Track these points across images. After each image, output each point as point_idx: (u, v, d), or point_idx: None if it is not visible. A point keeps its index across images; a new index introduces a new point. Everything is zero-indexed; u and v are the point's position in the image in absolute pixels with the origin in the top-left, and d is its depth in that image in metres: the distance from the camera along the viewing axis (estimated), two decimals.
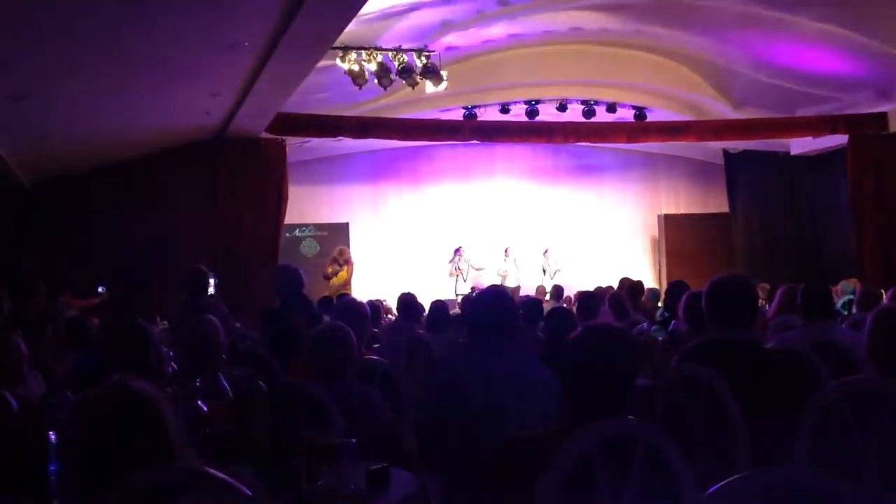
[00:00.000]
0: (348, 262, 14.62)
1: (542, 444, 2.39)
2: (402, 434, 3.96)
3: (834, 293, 12.37)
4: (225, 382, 3.50)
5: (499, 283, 15.86)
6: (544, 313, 7.07)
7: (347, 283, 14.43)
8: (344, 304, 5.04)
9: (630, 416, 2.45)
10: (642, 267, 17.52)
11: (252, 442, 3.08)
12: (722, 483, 1.76)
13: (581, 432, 2.31)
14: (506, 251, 16.58)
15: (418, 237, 16.84)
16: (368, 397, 3.74)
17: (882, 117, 14.36)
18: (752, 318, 3.67)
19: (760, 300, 8.65)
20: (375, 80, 10.93)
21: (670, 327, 6.03)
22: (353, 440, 2.98)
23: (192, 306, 6.25)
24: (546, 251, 16.80)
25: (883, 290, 8.33)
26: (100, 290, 11.08)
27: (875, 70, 12.96)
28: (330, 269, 14.50)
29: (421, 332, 6.57)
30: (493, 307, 3.61)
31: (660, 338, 5.72)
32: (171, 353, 4.82)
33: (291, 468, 3.00)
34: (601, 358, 2.55)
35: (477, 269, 16.04)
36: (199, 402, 3.17)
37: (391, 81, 10.99)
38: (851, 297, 9.44)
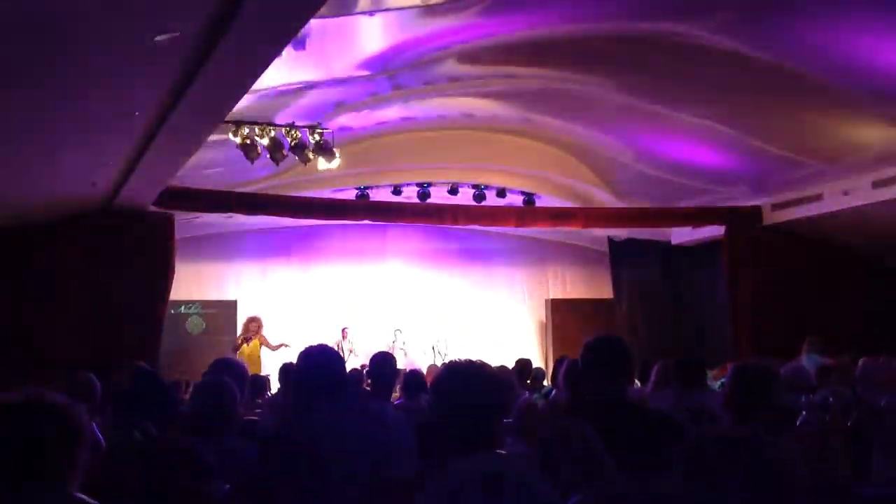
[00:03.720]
0: (259, 332, 14.26)
1: (409, 485, 2.41)
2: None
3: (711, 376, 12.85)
4: (98, 432, 3.42)
5: None
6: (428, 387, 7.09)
7: (257, 357, 14.06)
8: (225, 361, 4.97)
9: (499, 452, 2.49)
10: (531, 349, 17.76)
11: (124, 490, 3.01)
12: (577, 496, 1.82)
13: (454, 466, 2.35)
14: (395, 333, 16.61)
15: (306, 317, 16.73)
16: (247, 453, 3.69)
17: (757, 210, 15.10)
18: (626, 373, 3.80)
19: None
20: (268, 156, 10.96)
21: (551, 396, 6.14)
22: (226, 487, 2.94)
23: None
24: (437, 342, 16.84)
25: None
26: None
27: (749, 164, 13.65)
28: (240, 340, 14.22)
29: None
30: (323, 363, 3.60)
31: (539, 404, 5.81)
32: None
33: None
34: (466, 391, 2.58)
35: (354, 355, 15.69)
36: None
37: (284, 157, 11.04)
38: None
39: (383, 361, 5.44)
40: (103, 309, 12.30)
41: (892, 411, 4.05)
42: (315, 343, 3.63)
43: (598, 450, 3.40)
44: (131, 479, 2.99)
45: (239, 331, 14.86)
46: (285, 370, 7.36)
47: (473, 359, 2.82)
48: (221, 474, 3.32)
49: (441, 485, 2.33)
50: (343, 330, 16.20)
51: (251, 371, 12.32)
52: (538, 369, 11.62)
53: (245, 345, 14.19)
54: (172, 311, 14.67)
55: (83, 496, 2.12)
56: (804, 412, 3.76)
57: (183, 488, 3.05)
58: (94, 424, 3.48)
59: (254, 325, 14.48)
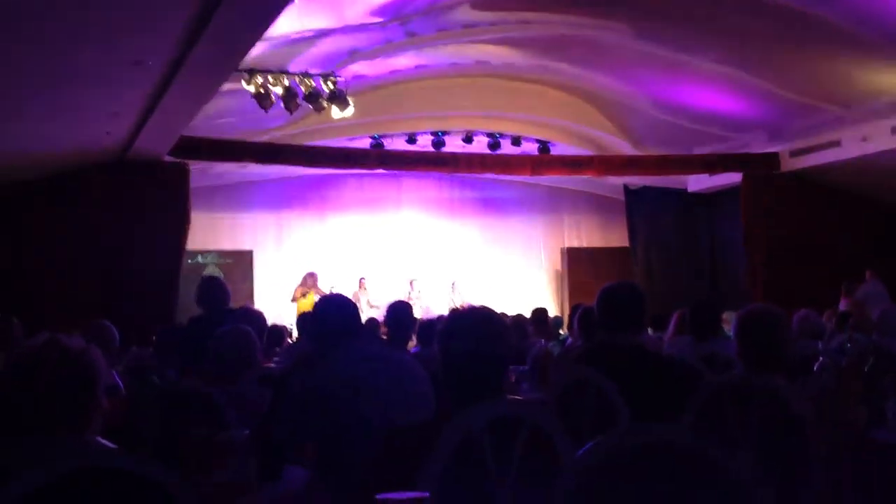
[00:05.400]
0: (315, 286, 14.98)
1: (425, 433, 2.42)
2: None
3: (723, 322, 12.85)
4: (118, 378, 3.45)
5: None
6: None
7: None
8: (243, 311, 5.00)
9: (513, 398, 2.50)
10: (546, 299, 17.76)
11: (141, 437, 3.05)
12: (592, 442, 1.83)
13: (467, 413, 2.36)
14: (411, 283, 16.65)
15: (323, 267, 16.75)
16: (264, 400, 3.73)
17: (774, 157, 14.97)
18: (640, 321, 3.80)
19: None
20: (282, 105, 10.92)
21: (567, 343, 6.16)
22: (245, 432, 2.97)
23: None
24: (453, 284, 16.92)
25: None
26: None
27: (767, 111, 13.53)
28: (299, 293, 14.88)
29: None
30: (338, 312, 3.62)
31: (555, 352, 5.84)
32: None
33: (182, 464, 2.97)
34: (472, 339, 2.58)
35: (373, 307, 15.82)
36: None
37: (297, 106, 11.00)
38: None
39: (400, 310, 5.46)
40: (120, 260, 12.37)
41: None
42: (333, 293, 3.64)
43: (613, 397, 3.41)
44: (150, 425, 3.03)
45: (275, 282, 15.73)
46: (303, 318, 7.40)
47: (478, 306, 2.83)
48: (239, 421, 3.35)
49: (454, 431, 2.34)
50: (360, 280, 16.23)
51: None
52: (555, 317, 11.68)
53: (303, 297, 14.78)
54: (189, 262, 14.72)
55: (103, 440, 2.14)
56: (820, 358, 3.75)
57: (200, 434, 3.08)
58: (113, 371, 3.53)
59: (311, 279, 15.19)
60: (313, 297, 14.68)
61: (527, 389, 5.66)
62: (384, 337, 6.06)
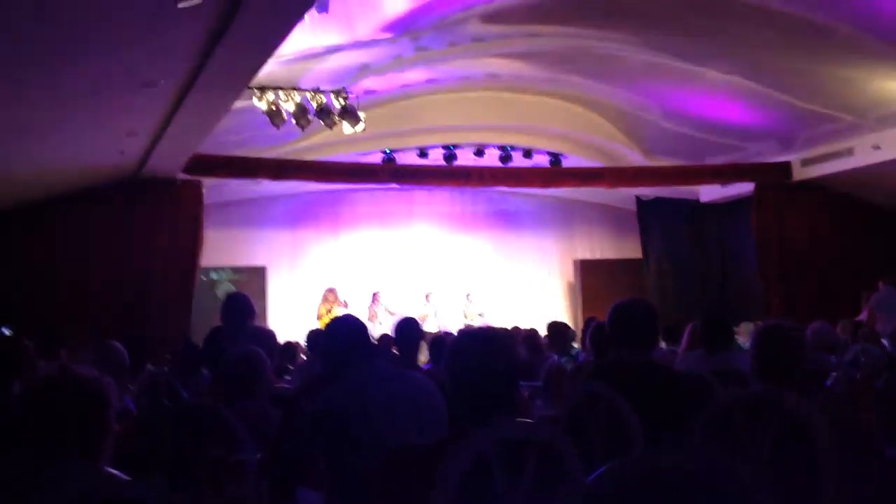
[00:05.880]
0: (336, 301, 15.11)
1: (435, 453, 2.42)
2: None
3: (737, 334, 12.80)
4: (129, 402, 3.46)
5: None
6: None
7: None
8: (253, 330, 5.01)
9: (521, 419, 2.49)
10: (559, 311, 17.74)
11: (155, 459, 3.05)
12: (602, 468, 1.83)
13: (477, 434, 2.36)
14: (426, 296, 16.65)
15: (336, 281, 16.77)
16: (275, 420, 3.73)
17: (786, 166, 14.94)
18: (652, 339, 3.80)
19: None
20: (293, 121, 10.97)
21: (579, 360, 6.15)
22: (257, 455, 2.97)
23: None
24: (468, 295, 16.91)
25: None
26: (3, 330, 10.75)
27: (778, 120, 13.50)
28: (324, 310, 14.95)
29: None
30: (349, 332, 3.64)
31: (568, 368, 5.83)
32: None
33: (194, 485, 2.98)
34: (480, 358, 2.59)
35: (391, 314, 15.94)
36: None
37: (309, 122, 11.04)
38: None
39: (407, 326, 5.46)
40: (133, 277, 12.43)
41: None
42: (344, 313, 3.65)
43: (626, 414, 3.41)
44: (161, 447, 3.03)
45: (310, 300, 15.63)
46: (313, 336, 7.41)
47: (486, 325, 2.84)
48: (250, 441, 3.35)
49: (463, 452, 2.35)
50: (374, 294, 16.25)
51: None
52: (568, 331, 11.60)
53: (328, 314, 14.92)
54: (203, 278, 14.79)
55: (112, 470, 2.14)
56: (833, 373, 3.73)
57: (213, 455, 3.08)
58: (124, 394, 3.54)
59: (331, 295, 15.27)
60: (337, 313, 14.82)
61: (540, 406, 5.65)
62: (396, 353, 6.06)
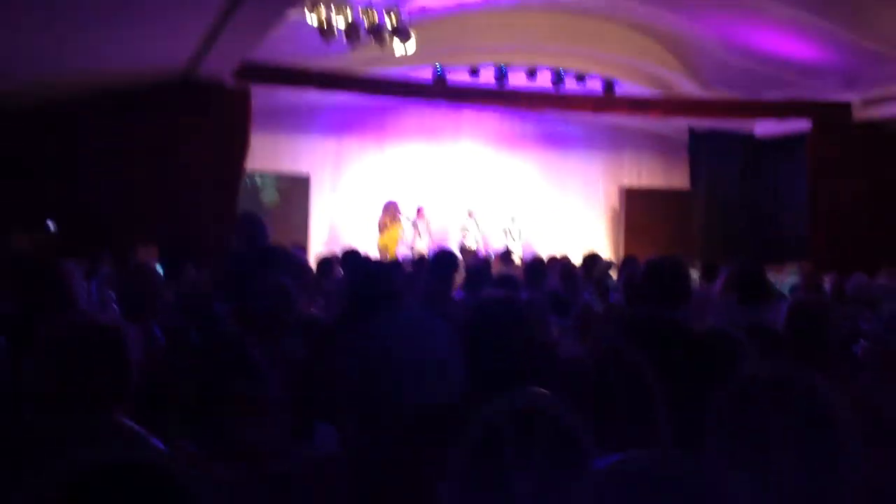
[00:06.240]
0: (398, 216, 15.52)
1: (449, 417, 2.44)
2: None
3: (780, 275, 12.66)
4: (157, 331, 3.52)
5: (459, 239, 16.12)
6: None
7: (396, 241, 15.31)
8: (284, 255, 5.01)
9: (533, 388, 2.49)
10: (601, 238, 17.65)
11: (181, 392, 3.12)
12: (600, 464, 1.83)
13: (488, 406, 2.37)
14: (469, 213, 16.66)
15: (380, 194, 16.78)
16: (301, 355, 3.78)
17: (846, 106, 14.54)
18: (681, 299, 3.77)
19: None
20: (344, 38, 10.83)
21: (611, 299, 6.13)
22: (277, 394, 3.03)
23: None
24: (512, 218, 16.83)
25: (826, 276, 8.49)
26: (49, 225, 10.93)
27: (842, 58, 13.08)
28: (386, 219, 15.52)
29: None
30: (371, 278, 3.64)
31: (597, 308, 5.82)
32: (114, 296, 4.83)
33: (218, 420, 3.04)
34: (496, 331, 2.59)
35: (430, 233, 16.01)
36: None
37: (359, 38, 10.91)
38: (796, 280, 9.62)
39: (442, 259, 5.44)
40: (179, 181, 12.52)
41: None
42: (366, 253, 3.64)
43: (647, 376, 3.40)
44: (189, 383, 3.10)
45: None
46: (346, 259, 7.42)
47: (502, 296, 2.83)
48: (276, 376, 3.41)
49: (475, 421, 2.36)
50: (419, 209, 16.25)
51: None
52: (606, 262, 11.53)
53: (392, 226, 15.46)
54: (248, 182, 14.84)
55: (127, 422, 2.18)
56: (862, 340, 3.69)
57: (236, 391, 3.14)
58: (152, 324, 3.59)
59: (393, 208, 15.68)
60: (399, 230, 15.00)
61: (569, 345, 5.66)
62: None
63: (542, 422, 2.39)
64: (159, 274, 4.06)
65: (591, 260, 9.58)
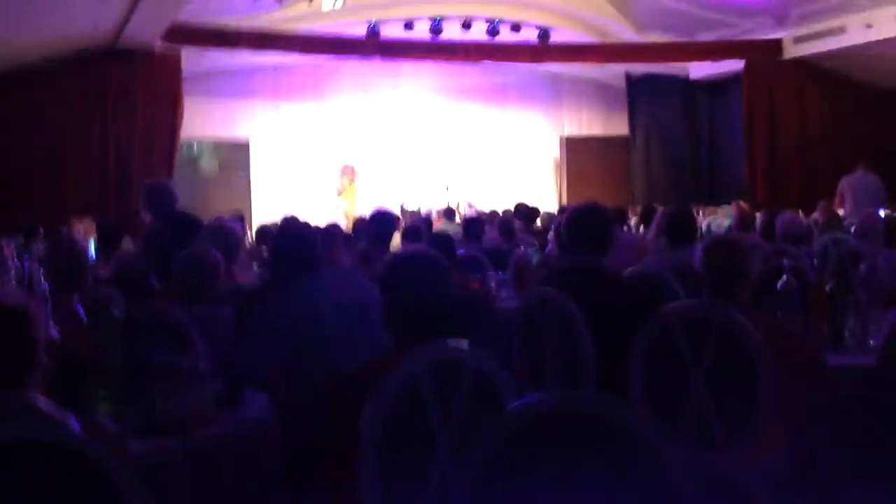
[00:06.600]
0: (354, 175, 15.54)
1: (373, 375, 2.45)
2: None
3: (716, 217, 12.82)
4: (79, 307, 3.49)
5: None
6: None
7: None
8: (213, 227, 5.00)
9: (449, 339, 2.51)
10: (545, 189, 17.68)
11: (104, 367, 3.09)
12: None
13: (404, 360, 2.39)
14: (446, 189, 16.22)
15: (320, 155, 16.61)
16: (229, 322, 3.77)
17: (777, 44, 14.69)
18: (602, 245, 3.81)
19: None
20: None
21: (547, 250, 6.19)
22: (204, 363, 3.02)
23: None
24: (447, 187, 16.47)
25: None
26: None
27: None
28: (345, 181, 15.52)
29: None
30: (295, 242, 3.65)
31: (534, 260, 5.88)
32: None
33: (143, 394, 3.02)
34: (411, 284, 2.61)
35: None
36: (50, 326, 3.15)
37: None
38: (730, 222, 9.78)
39: (377, 221, 5.45)
40: (112, 151, 12.30)
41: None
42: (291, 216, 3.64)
43: (576, 323, 3.45)
44: (112, 356, 3.07)
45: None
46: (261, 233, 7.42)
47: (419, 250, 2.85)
48: (203, 344, 3.40)
49: (396, 374, 2.38)
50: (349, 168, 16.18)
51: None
52: (548, 213, 11.58)
53: (350, 187, 15.56)
54: (185, 151, 14.63)
55: (41, 400, 2.16)
56: (784, 276, 3.76)
57: (164, 363, 3.12)
58: (74, 298, 3.56)
59: (349, 170, 15.84)
60: (354, 191, 14.95)
61: (506, 297, 5.72)
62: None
63: (459, 372, 2.42)
64: (84, 247, 4.01)
65: (522, 212, 9.65)
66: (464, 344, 2.50)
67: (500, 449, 1.89)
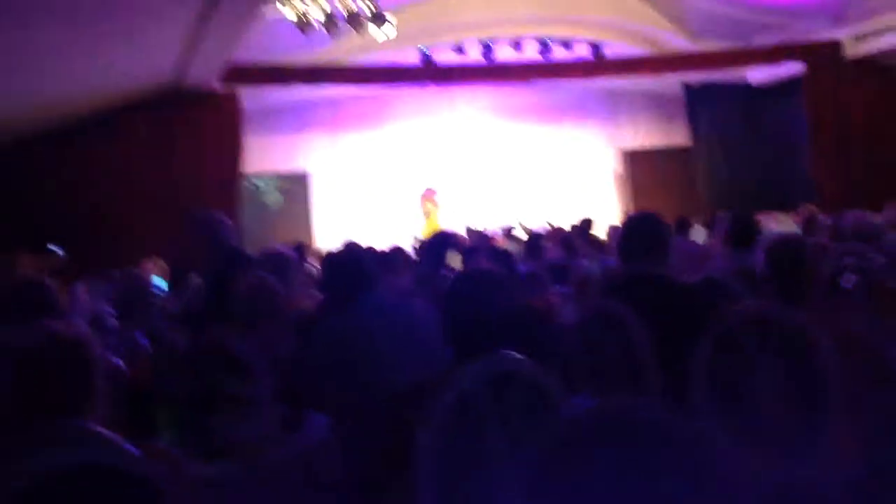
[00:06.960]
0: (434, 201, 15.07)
1: (429, 389, 2.45)
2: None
3: (789, 220, 12.56)
4: (143, 339, 3.55)
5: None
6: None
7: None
8: (267, 254, 5.04)
9: (506, 352, 2.50)
10: (608, 203, 17.56)
11: (168, 395, 3.14)
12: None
13: (463, 367, 2.38)
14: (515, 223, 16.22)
15: (382, 183, 16.75)
16: (290, 344, 3.80)
17: (836, 44, 14.41)
18: (659, 252, 3.75)
19: None
20: (323, 29, 10.83)
21: (609, 262, 6.14)
22: (266, 388, 3.05)
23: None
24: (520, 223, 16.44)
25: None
26: (52, 248, 10.98)
27: None
28: (428, 206, 15.05)
29: None
30: (346, 265, 3.66)
31: (595, 272, 5.83)
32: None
33: (207, 420, 3.06)
34: (470, 299, 2.61)
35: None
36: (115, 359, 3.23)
37: (338, 28, 10.90)
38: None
39: (434, 241, 5.47)
40: (180, 191, 12.55)
41: None
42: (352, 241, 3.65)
43: (636, 334, 3.40)
44: (175, 385, 3.12)
45: None
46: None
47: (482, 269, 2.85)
48: (264, 370, 3.43)
49: (451, 386, 2.38)
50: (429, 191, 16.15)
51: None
52: (614, 227, 11.45)
53: (434, 210, 15.03)
54: (249, 187, 14.88)
55: (98, 428, 2.20)
56: (846, 274, 3.67)
57: (227, 390, 3.16)
58: (140, 333, 3.63)
59: (430, 193, 15.22)
60: (436, 214, 14.97)
61: (569, 312, 5.66)
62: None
63: (515, 384, 2.40)
64: (147, 282, 4.09)
65: (581, 227, 9.59)
66: (519, 356, 2.48)
67: (557, 456, 1.86)
